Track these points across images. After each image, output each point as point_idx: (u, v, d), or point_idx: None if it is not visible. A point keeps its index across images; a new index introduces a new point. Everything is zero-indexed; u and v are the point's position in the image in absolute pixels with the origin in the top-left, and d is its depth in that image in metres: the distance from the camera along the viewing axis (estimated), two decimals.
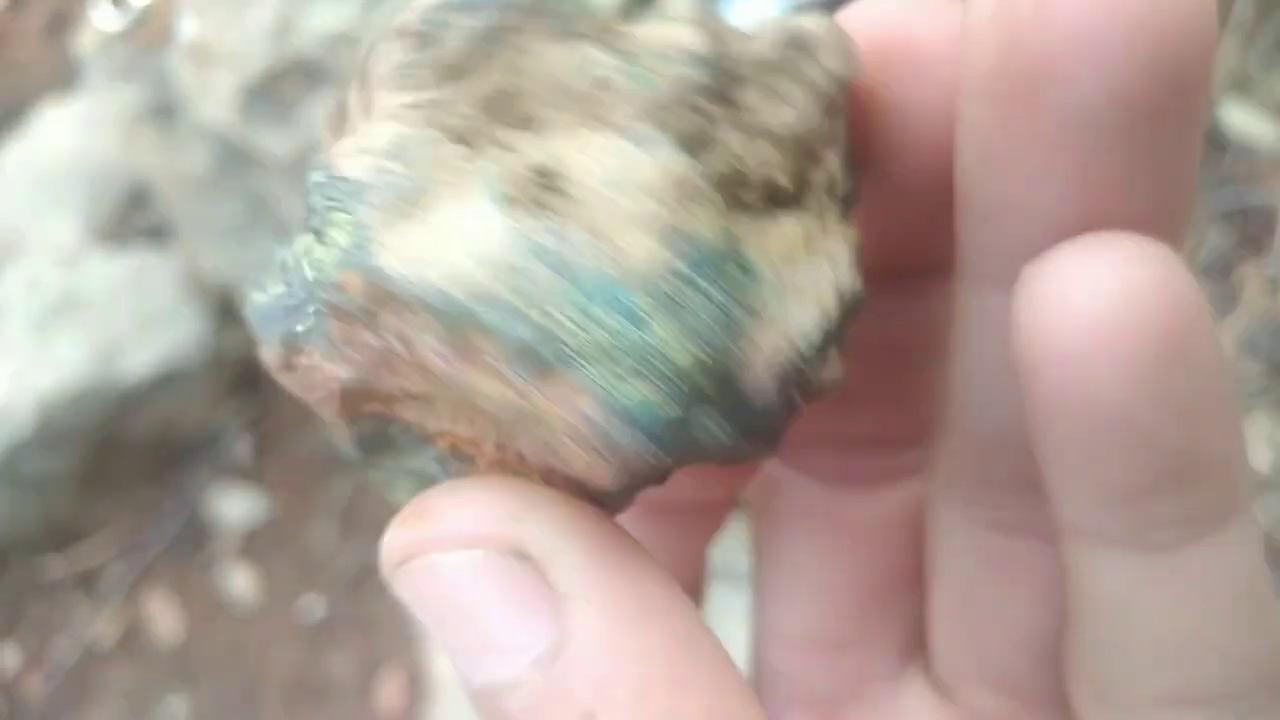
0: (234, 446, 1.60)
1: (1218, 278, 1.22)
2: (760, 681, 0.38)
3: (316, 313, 0.30)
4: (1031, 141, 0.24)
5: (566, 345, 0.25)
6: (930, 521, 0.32)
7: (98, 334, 1.54)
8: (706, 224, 0.27)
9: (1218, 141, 1.26)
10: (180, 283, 1.60)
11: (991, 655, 0.32)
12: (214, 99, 1.30)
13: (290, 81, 1.28)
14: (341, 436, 0.33)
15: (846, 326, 0.30)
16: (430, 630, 0.25)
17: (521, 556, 0.24)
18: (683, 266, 0.26)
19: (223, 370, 1.58)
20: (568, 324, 0.25)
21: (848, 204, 0.32)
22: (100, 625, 1.54)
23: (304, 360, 0.31)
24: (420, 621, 0.25)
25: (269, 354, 0.31)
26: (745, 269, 0.27)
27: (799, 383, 0.28)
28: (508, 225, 0.26)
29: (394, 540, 0.25)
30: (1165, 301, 0.22)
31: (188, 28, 1.31)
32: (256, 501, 1.55)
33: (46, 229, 1.71)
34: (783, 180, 0.30)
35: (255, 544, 1.53)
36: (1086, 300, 0.22)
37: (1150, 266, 0.22)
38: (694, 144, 0.28)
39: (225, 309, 1.57)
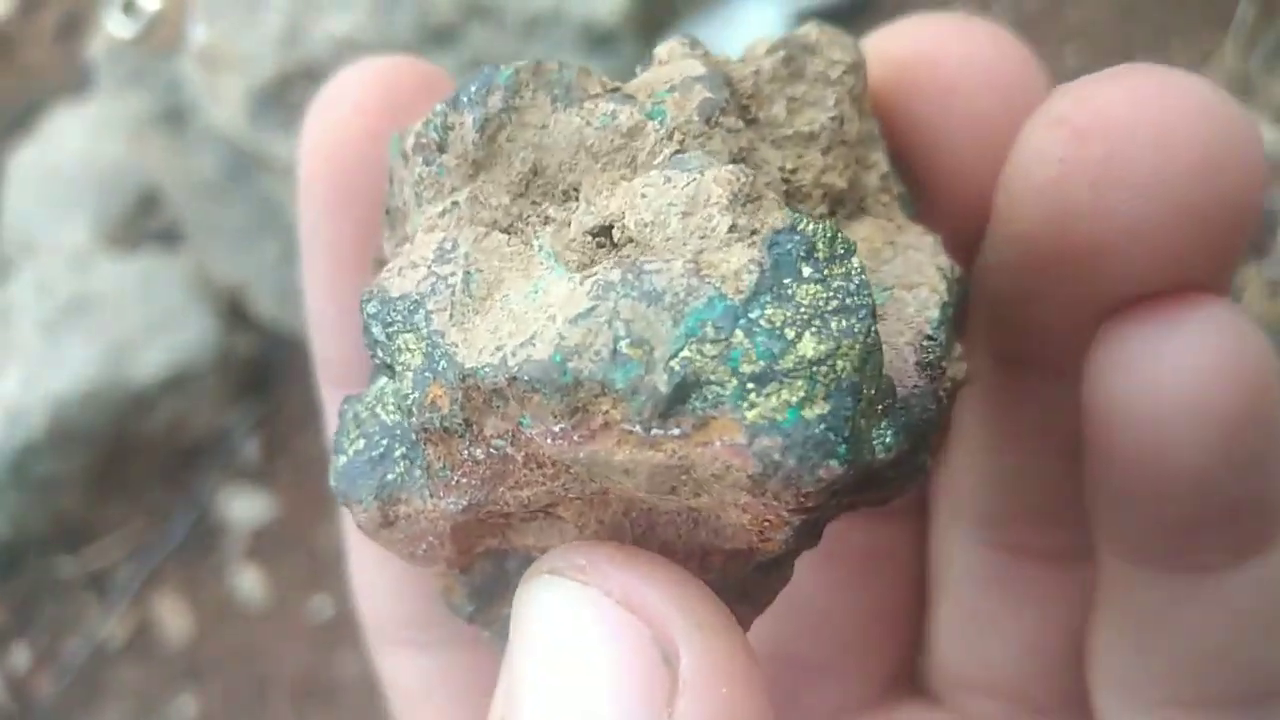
0: (243, 448, 1.61)
1: None
2: None
3: (407, 453, 0.29)
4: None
5: (713, 383, 0.24)
6: (936, 542, 0.34)
7: (108, 336, 1.55)
8: (786, 218, 0.26)
9: None
10: (189, 285, 1.61)
11: (997, 665, 0.34)
12: (223, 104, 1.31)
13: (299, 87, 1.29)
14: (454, 596, 0.32)
15: (960, 314, 0.29)
16: (523, 646, 0.26)
17: (669, 662, 0.24)
18: (801, 265, 0.25)
19: (231, 372, 1.59)
20: (703, 360, 0.24)
21: (906, 206, 0.31)
22: (110, 625, 1.55)
23: (403, 509, 0.29)
24: (518, 629, 0.26)
25: (363, 515, 0.30)
26: (849, 250, 0.25)
27: (938, 373, 0.27)
28: (586, 281, 0.26)
29: (582, 555, 0.26)
30: (1244, 372, 0.24)
31: (198, 34, 1.32)
32: (265, 502, 1.56)
33: (57, 232, 1.72)
34: (840, 181, 0.30)
35: (264, 545, 1.54)
36: (1169, 368, 0.24)
37: (1229, 335, 0.24)
38: (738, 163, 0.28)
39: (234, 311, 1.58)
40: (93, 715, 1.51)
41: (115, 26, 1.38)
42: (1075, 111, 0.25)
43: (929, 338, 0.27)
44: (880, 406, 0.25)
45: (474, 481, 0.27)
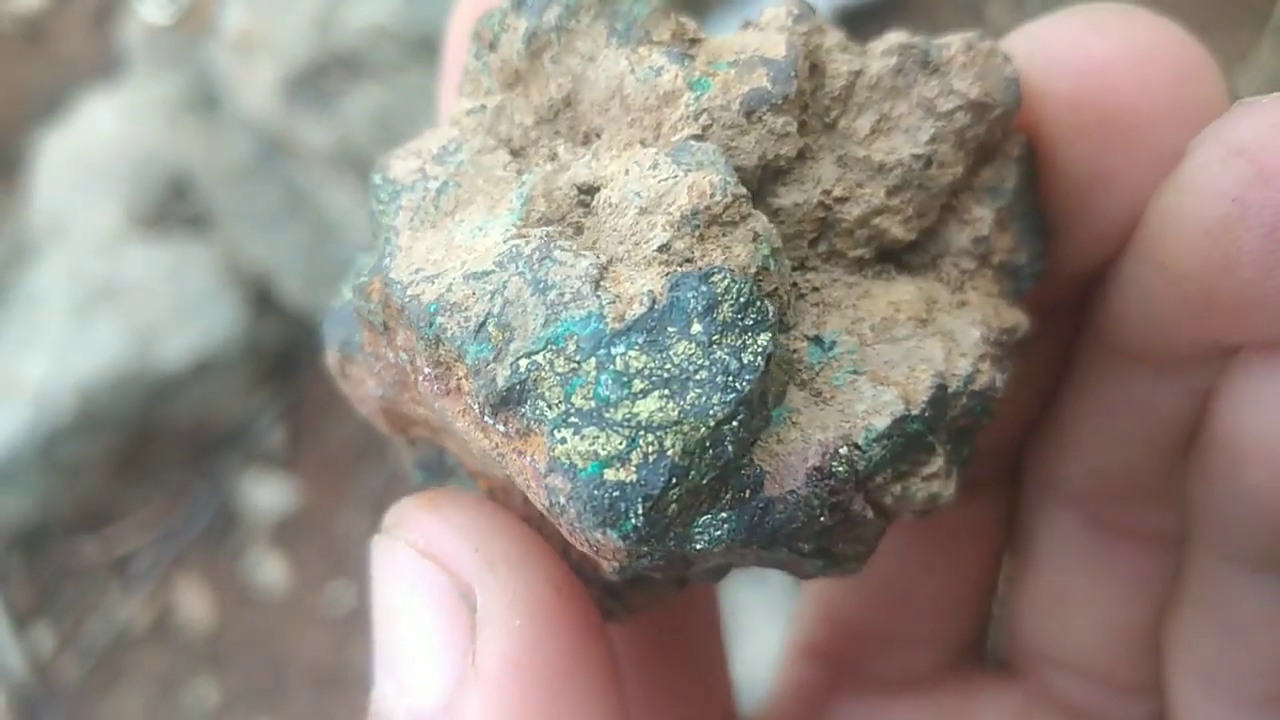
0: (267, 435, 1.61)
1: None
2: (805, 655, 0.39)
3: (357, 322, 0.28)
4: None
5: (544, 399, 0.22)
6: (1028, 515, 0.34)
7: (136, 321, 1.56)
8: (739, 260, 0.23)
9: None
10: (218, 272, 1.61)
11: (1079, 640, 0.33)
12: (256, 90, 1.31)
13: (332, 74, 1.30)
14: (404, 455, 0.32)
15: (957, 429, 0.25)
16: (373, 601, 0.26)
17: (468, 603, 0.25)
18: (693, 319, 0.22)
19: (258, 360, 1.59)
20: (547, 373, 0.22)
21: (1019, 279, 0.27)
22: (132, 610, 1.56)
23: (354, 371, 0.29)
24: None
25: (329, 358, 0.30)
26: (761, 322, 0.23)
27: (842, 485, 0.24)
28: (512, 241, 0.24)
29: (401, 510, 0.26)
30: None
31: (232, 20, 1.32)
32: (288, 490, 1.56)
33: (88, 217, 1.73)
34: (900, 230, 0.26)
35: (286, 532, 1.54)
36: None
37: None
38: (770, 171, 0.25)
39: (262, 299, 1.59)
40: (113, 698, 1.52)
41: (149, 12, 1.39)
42: (1259, 142, 0.22)
43: (855, 446, 0.24)
44: (727, 495, 0.23)
45: (387, 379, 0.27)
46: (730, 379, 0.22)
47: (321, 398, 1.59)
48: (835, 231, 0.26)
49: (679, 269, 0.23)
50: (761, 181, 0.26)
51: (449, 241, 0.25)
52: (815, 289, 0.26)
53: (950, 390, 0.25)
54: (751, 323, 0.23)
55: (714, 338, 0.23)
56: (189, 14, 1.36)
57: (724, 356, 0.23)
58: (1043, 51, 0.26)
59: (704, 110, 0.25)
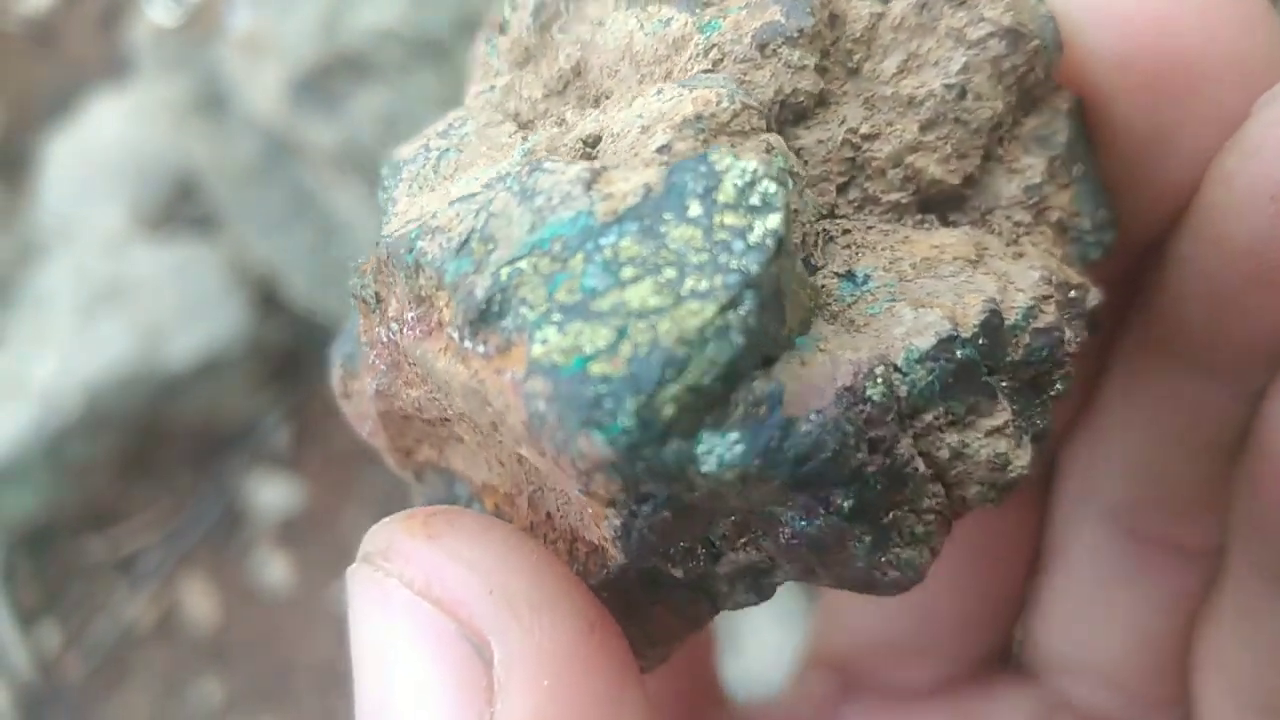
0: (273, 435, 1.61)
1: None
2: (818, 662, 0.39)
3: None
4: None
5: (525, 303, 0.20)
6: (1059, 522, 0.33)
7: (142, 322, 1.56)
8: (746, 154, 0.21)
9: None
10: (224, 273, 1.62)
11: (1107, 650, 0.33)
12: (262, 91, 1.32)
13: (338, 75, 1.30)
14: (416, 501, 0.29)
15: (1025, 380, 0.23)
16: (351, 639, 0.22)
17: (483, 657, 0.21)
18: (690, 200, 0.20)
19: (264, 360, 1.60)
20: (530, 276, 0.20)
21: (1084, 246, 0.25)
22: (138, 608, 1.56)
23: (355, 385, 0.27)
24: (349, 618, 0.22)
25: (333, 378, 0.28)
26: (769, 204, 0.20)
27: (880, 414, 0.21)
28: (499, 167, 0.22)
29: (394, 528, 0.22)
30: None
31: (238, 22, 1.33)
32: (294, 490, 1.57)
33: (94, 218, 1.74)
34: (940, 171, 0.23)
35: (291, 532, 1.55)
36: None
37: None
38: (790, 110, 0.23)
39: (267, 299, 1.59)
40: (119, 696, 1.52)
41: (157, 13, 1.39)
42: None
43: (894, 367, 0.21)
44: (738, 409, 0.20)
45: (381, 365, 0.25)
46: (734, 259, 0.20)
47: (327, 398, 1.59)
48: (866, 174, 0.24)
49: (680, 154, 0.21)
50: (781, 123, 0.23)
51: (441, 195, 0.23)
52: (846, 232, 0.24)
53: (1008, 323, 0.22)
54: (759, 203, 0.20)
55: (715, 218, 0.20)
56: (196, 16, 1.37)
57: (726, 237, 0.20)
58: (1093, 5, 0.24)
59: (714, 45, 0.23)
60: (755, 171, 0.21)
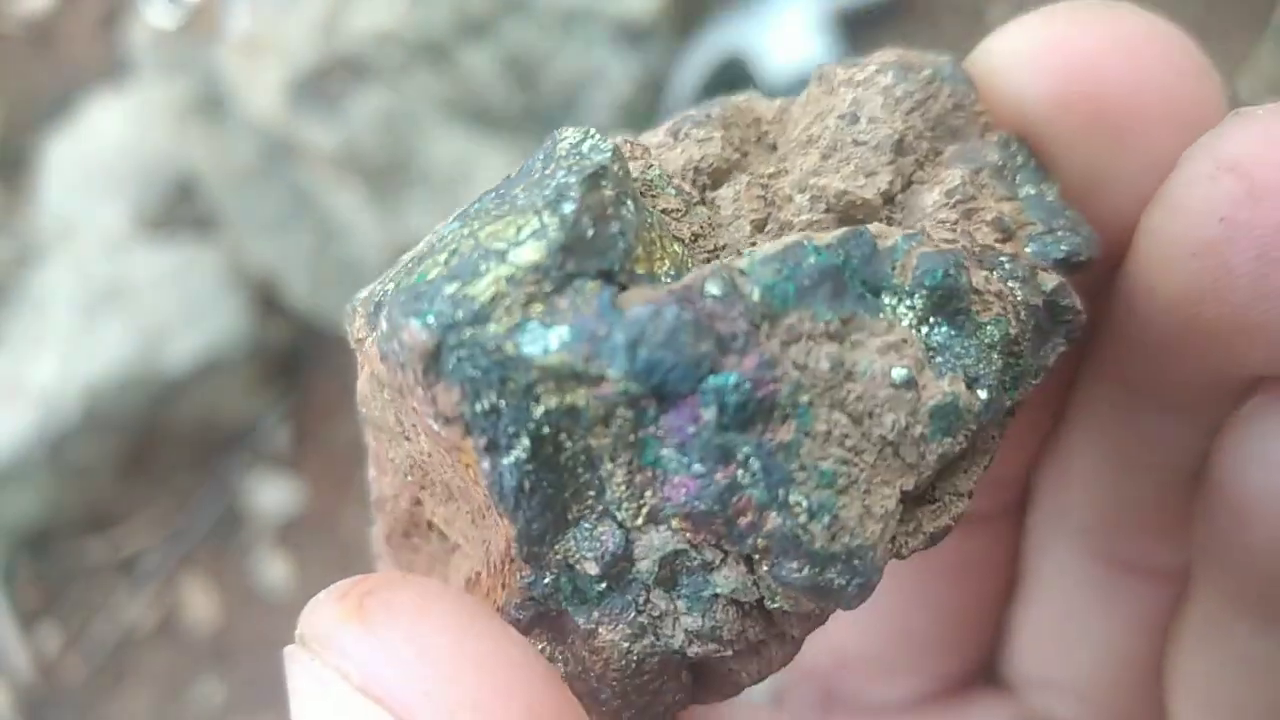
0: (272, 436, 1.62)
1: None
2: (801, 675, 0.39)
3: None
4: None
5: (389, 283, 0.22)
6: (1034, 541, 0.33)
7: (143, 323, 1.57)
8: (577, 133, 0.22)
9: None
10: (223, 274, 1.62)
11: (1085, 669, 0.33)
12: (262, 94, 1.32)
13: (336, 77, 1.30)
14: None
15: (935, 300, 0.22)
16: None
17: None
18: (534, 165, 0.22)
19: (263, 360, 1.60)
20: (403, 271, 0.22)
21: (1048, 246, 0.24)
22: (138, 609, 1.57)
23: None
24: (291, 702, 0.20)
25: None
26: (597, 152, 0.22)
27: (772, 331, 0.20)
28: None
29: (329, 612, 0.20)
30: None
31: (238, 24, 1.33)
32: (294, 490, 1.57)
33: (94, 219, 1.74)
34: (842, 183, 0.24)
35: (291, 532, 1.55)
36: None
37: None
38: (705, 175, 0.25)
39: (266, 300, 1.59)
40: (120, 697, 1.52)
41: (156, 16, 1.40)
42: (1251, 157, 0.20)
43: (738, 270, 0.21)
44: (568, 307, 0.20)
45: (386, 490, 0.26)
46: (556, 183, 0.21)
47: (326, 399, 1.60)
48: (777, 205, 0.24)
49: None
50: (701, 189, 0.24)
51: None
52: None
53: (886, 245, 0.22)
54: (587, 149, 0.21)
55: (548, 169, 0.21)
56: (195, 18, 1.37)
57: (553, 173, 0.21)
58: (1027, 48, 0.24)
59: (628, 143, 0.25)
60: (588, 134, 0.22)
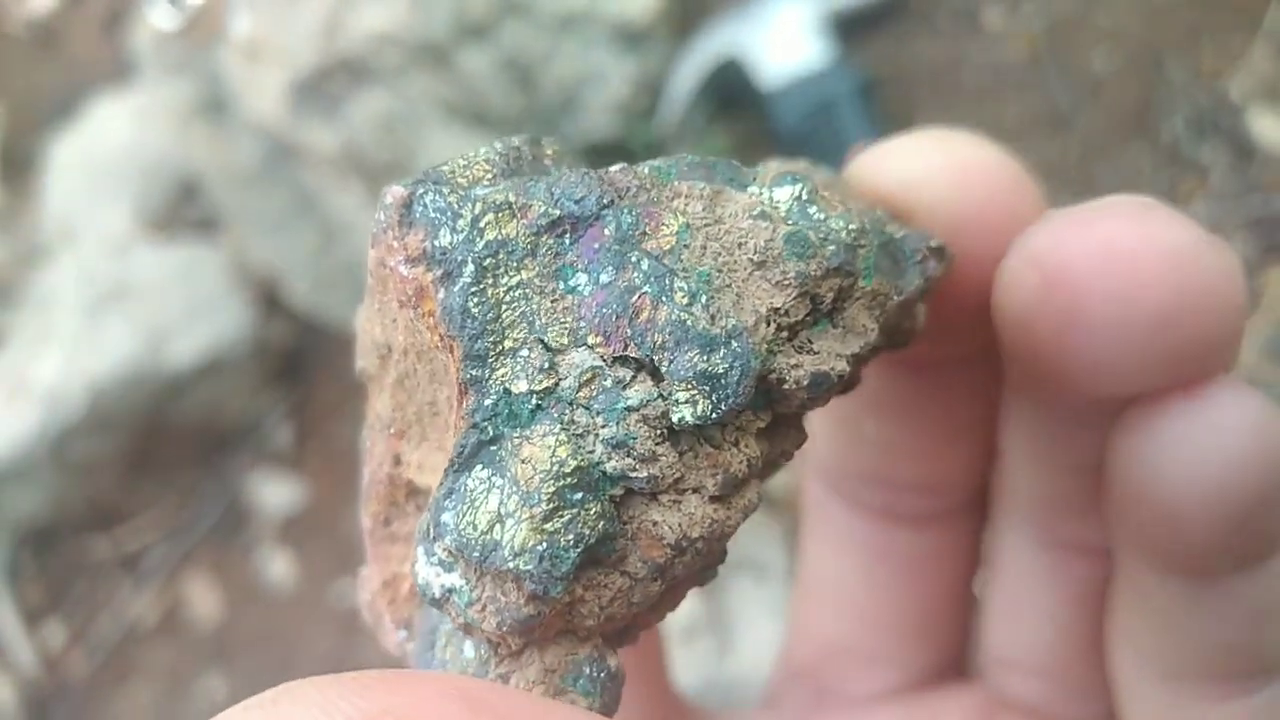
0: (275, 434, 1.63)
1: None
2: (792, 674, 0.41)
3: None
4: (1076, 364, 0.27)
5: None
6: (996, 538, 0.36)
7: (146, 322, 1.58)
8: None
9: (1245, 149, 1.27)
10: (227, 273, 1.63)
11: (1038, 647, 0.36)
12: (263, 95, 1.33)
13: (338, 79, 1.32)
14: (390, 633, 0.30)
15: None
16: None
17: None
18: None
19: (266, 359, 1.62)
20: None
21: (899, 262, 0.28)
22: (142, 606, 1.58)
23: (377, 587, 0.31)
24: None
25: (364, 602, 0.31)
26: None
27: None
28: None
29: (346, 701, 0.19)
30: (1261, 452, 0.26)
31: (240, 26, 1.35)
32: (296, 488, 1.58)
33: (98, 219, 1.76)
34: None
35: (294, 530, 1.56)
36: (1195, 447, 0.26)
37: (1245, 417, 0.26)
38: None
39: (269, 299, 1.61)
40: (123, 693, 1.54)
41: (158, 18, 1.41)
42: (1047, 255, 0.26)
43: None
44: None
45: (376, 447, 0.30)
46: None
47: (328, 397, 1.61)
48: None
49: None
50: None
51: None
52: None
53: (746, 169, 0.28)
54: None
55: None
56: (197, 20, 1.39)
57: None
58: (905, 167, 0.30)
59: None
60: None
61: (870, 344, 0.26)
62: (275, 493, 1.59)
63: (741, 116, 1.46)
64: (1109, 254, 0.25)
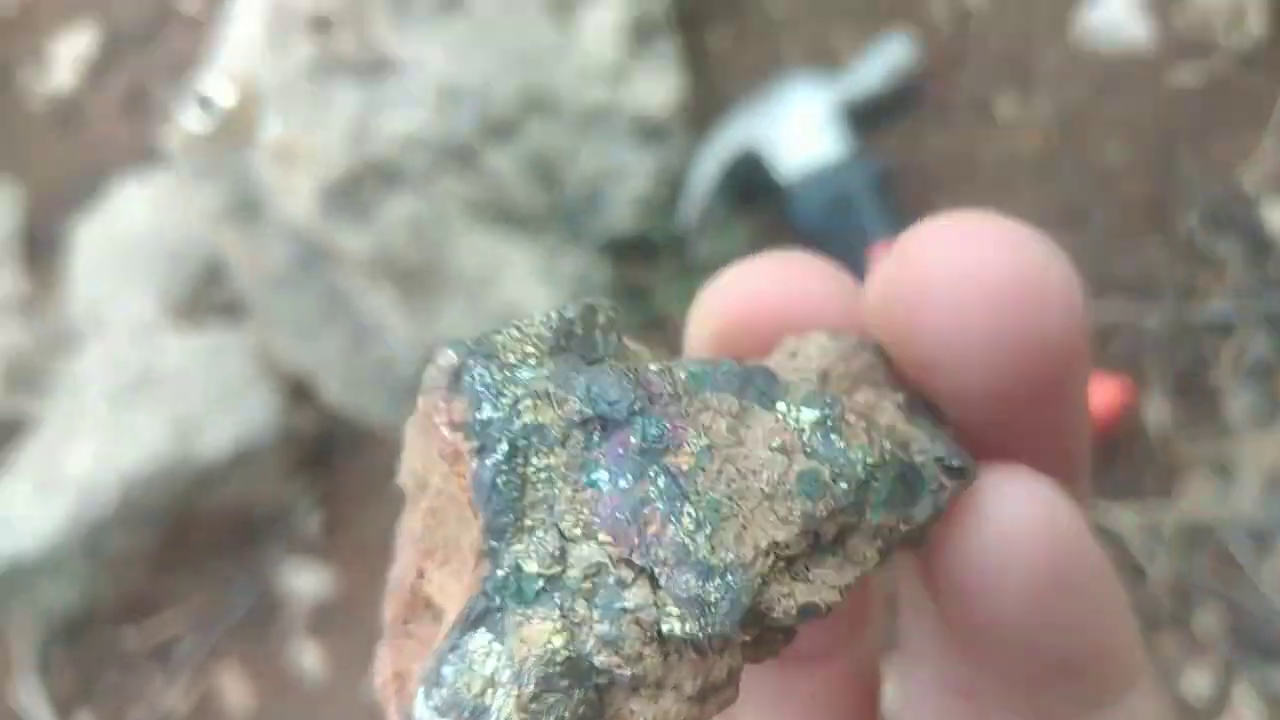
0: (304, 523, 1.64)
1: (1260, 382, 1.24)
2: None
3: None
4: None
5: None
6: (896, 681, 0.37)
7: (175, 411, 1.59)
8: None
9: (1260, 244, 1.29)
10: (253, 360, 1.65)
11: None
12: (295, 198, 1.36)
13: (368, 182, 1.34)
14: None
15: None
16: None
17: None
18: None
19: (294, 447, 1.63)
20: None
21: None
22: (173, 697, 1.59)
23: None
24: None
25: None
26: None
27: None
28: None
29: None
30: (1046, 540, 0.27)
31: (271, 130, 1.37)
32: (326, 578, 1.59)
33: (124, 305, 1.77)
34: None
35: (325, 620, 1.57)
36: (988, 542, 0.28)
37: (1035, 506, 0.28)
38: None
39: (297, 388, 1.62)
40: None
41: (189, 121, 1.44)
42: (908, 242, 0.28)
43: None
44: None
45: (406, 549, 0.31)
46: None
47: (357, 486, 1.62)
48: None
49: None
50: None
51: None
52: None
53: (781, 377, 0.29)
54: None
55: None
56: (229, 123, 1.41)
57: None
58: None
59: None
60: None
61: (867, 571, 0.28)
62: (306, 582, 1.60)
63: (761, 208, 1.49)
64: (962, 237, 0.27)
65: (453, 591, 0.29)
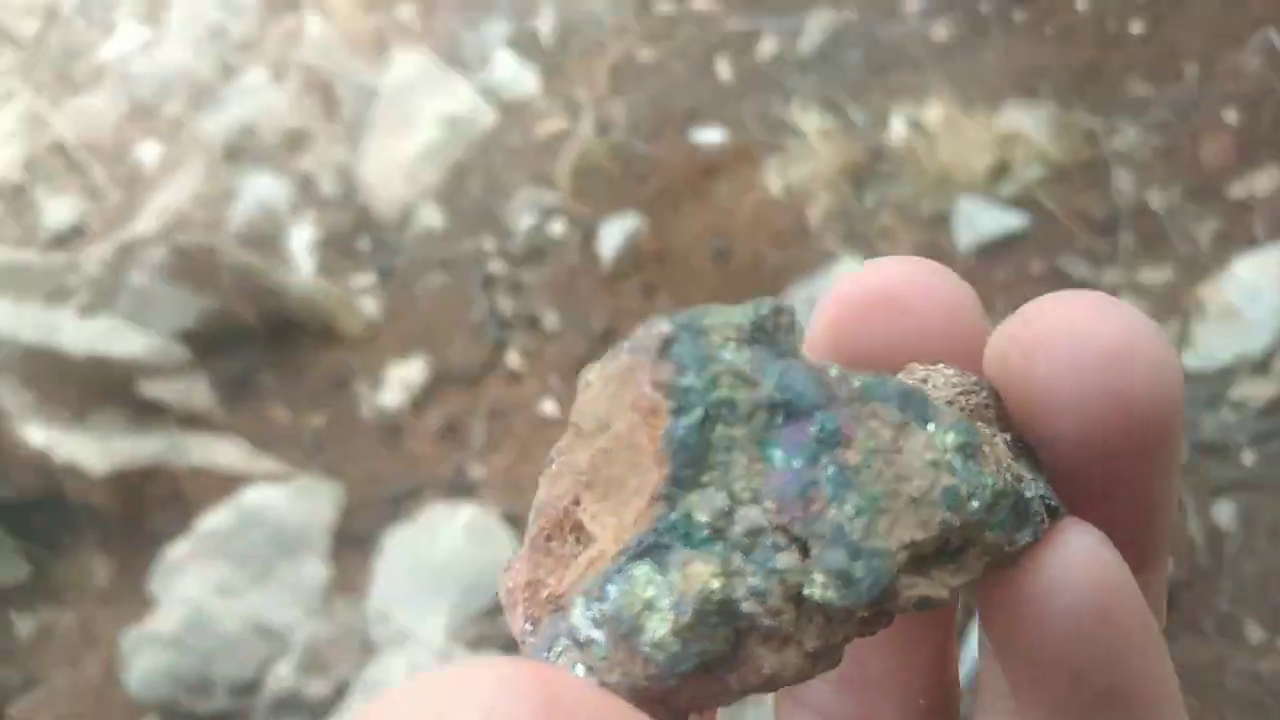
0: None
1: None
2: None
3: None
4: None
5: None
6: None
7: None
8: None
9: None
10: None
11: None
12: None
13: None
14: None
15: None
16: None
17: None
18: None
19: None
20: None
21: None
22: None
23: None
24: None
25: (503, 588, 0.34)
26: None
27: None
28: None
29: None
30: (1094, 590, 0.30)
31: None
32: None
33: (419, 621, 1.90)
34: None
35: None
36: (1043, 592, 0.31)
37: (1089, 568, 0.30)
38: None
39: None
40: None
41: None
42: (1029, 308, 0.31)
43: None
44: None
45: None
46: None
47: None
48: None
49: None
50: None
51: None
52: None
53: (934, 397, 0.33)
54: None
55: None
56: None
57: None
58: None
59: None
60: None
61: (973, 579, 0.31)
62: None
63: None
64: (1077, 307, 0.30)
65: (606, 523, 0.32)
